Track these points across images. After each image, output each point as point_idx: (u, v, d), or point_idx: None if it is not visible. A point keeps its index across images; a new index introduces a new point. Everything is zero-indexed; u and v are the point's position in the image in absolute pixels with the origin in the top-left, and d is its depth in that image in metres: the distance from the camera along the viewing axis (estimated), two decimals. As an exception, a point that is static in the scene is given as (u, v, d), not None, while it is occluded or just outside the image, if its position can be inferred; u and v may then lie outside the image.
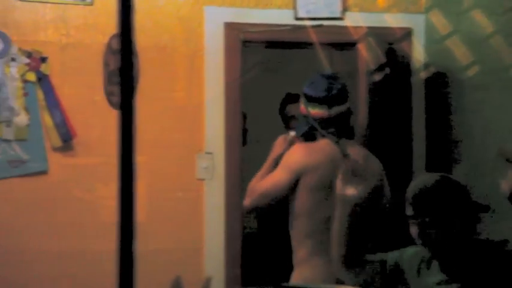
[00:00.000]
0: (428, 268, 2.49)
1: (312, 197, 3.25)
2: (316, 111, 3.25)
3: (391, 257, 2.57)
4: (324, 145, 3.28)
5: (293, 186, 3.26)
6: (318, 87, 3.26)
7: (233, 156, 3.89)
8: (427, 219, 2.35)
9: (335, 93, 3.22)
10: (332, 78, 3.29)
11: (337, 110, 3.24)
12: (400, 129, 3.93)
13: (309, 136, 3.37)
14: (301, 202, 3.28)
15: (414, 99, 3.98)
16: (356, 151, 3.09)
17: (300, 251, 3.29)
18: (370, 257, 2.57)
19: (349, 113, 3.30)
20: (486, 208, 2.90)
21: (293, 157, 3.28)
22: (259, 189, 3.32)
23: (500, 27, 3.33)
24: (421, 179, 2.48)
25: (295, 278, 3.30)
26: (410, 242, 2.48)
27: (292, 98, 4.11)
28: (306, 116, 3.32)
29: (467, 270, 2.39)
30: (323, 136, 3.27)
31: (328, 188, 3.13)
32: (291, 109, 4.12)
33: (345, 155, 2.68)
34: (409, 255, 2.54)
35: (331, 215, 3.05)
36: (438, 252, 2.40)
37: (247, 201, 3.35)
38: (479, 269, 2.38)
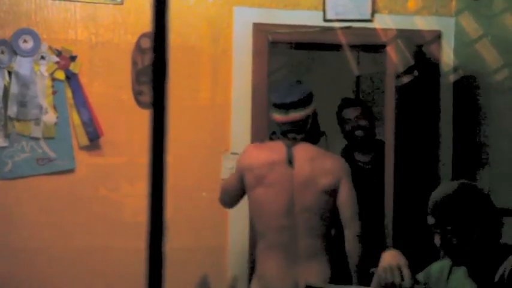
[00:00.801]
0: (449, 277, 2.48)
1: (251, 194, 3.38)
2: (276, 116, 3.40)
3: (419, 279, 2.58)
4: (273, 146, 3.41)
5: (242, 185, 3.42)
6: (278, 93, 3.40)
7: (259, 157, 3.88)
8: (448, 228, 2.35)
9: (292, 100, 3.35)
10: (293, 84, 3.39)
11: (294, 115, 3.36)
12: (427, 132, 3.90)
13: (272, 139, 3.57)
14: (249, 200, 3.43)
15: (442, 103, 3.95)
16: (303, 153, 3.32)
17: (256, 248, 3.42)
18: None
19: (309, 117, 3.42)
20: (509, 212, 2.86)
21: (240, 156, 3.47)
22: (221, 186, 3.56)
23: (531, 31, 3.30)
24: (442, 187, 2.47)
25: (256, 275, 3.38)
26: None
27: (348, 103, 4.36)
28: (272, 121, 3.52)
29: (493, 276, 2.38)
30: (278, 138, 3.44)
31: (265, 187, 3.32)
32: (346, 113, 4.31)
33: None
34: (435, 271, 2.55)
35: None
36: (461, 260, 2.39)
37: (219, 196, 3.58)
38: (504, 274, 2.36)
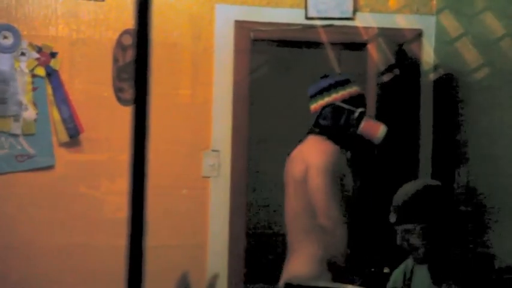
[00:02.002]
0: (411, 277, 2.51)
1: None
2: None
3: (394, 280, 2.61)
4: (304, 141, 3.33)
5: None
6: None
7: (239, 154, 3.89)
8: (409, 227, 2.37)
9: (309, 91, 3.31)
10: (323, 76, 3.34)
11: (310, 106, 3.31)
12: (407, 130, 3.92)
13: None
14: None
15: (422, 101, 3.97)
16: (301, 147, 3.24)
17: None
18: None
19: (324, 109, 3.27)
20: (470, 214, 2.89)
21: None
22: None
23: (510, 29, 3.32)
24: (406, 187, 2.50)
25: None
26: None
27: None
28: None
29: (454, 277, 2.40)
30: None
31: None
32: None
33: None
34: (398, 275, 2.58)
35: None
36: (421, 258, 2.41)
37: None
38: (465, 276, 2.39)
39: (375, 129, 3.24)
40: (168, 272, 3.21)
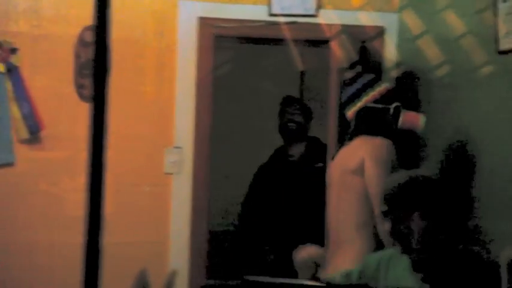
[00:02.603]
0: (395, 267, 2.52)
1: None
2: None
3: (356, 270, 2.62)
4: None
5: None
6: None
7: (202, 151, 3.88)
8: (400, 215, 2.40)
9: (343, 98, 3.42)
10: (350, 67, 3.49)
11: (348, 112, 3.39)
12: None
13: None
14: None
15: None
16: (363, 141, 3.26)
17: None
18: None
19: (357, 113, 3.35)
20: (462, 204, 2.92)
21: None
22: None
23: (472, 28, 3.35)
24: (396, 176, 2.53)
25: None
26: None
27: (289, 101, 4.56)
28: None
29: (440, 271, 2.42)
30: None
31: None
32: (285, 109, 4.52)
33: None
34: (372, 262, 2.59)
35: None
36: (409, 248, 2.43)
37: None
38: (450, 271, 2.41)
39: (415, 120, 3.33)
40: (130, 268, 3.19)
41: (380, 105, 3.27)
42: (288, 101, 4.58)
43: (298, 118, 4.47)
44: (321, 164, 4.26)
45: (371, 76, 3.36)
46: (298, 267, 3.03)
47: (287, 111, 4.50)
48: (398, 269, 2.51)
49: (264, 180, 4.58)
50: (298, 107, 4.52)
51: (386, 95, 3.32)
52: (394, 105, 3.26)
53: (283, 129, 4.52)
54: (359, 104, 3.31)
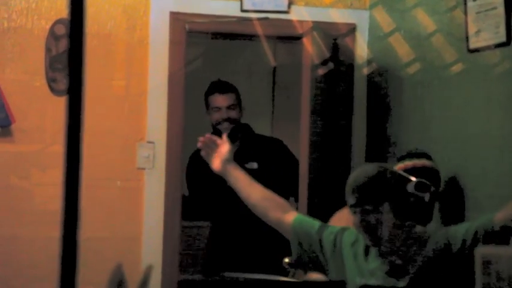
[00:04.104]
0: (366, 255, 2.55)
1: None
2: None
3: (330, 231, 2.65)
4: None
5: None
6: None
7: (175, 146, 3.88)
8: (368, 207, 2.43)
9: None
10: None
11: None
12: (341, 124, 3.97)
13: None
14: None
15: (356, 95, 4.02)
16: None
17: None
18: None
19: None
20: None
21: None
22: None
23: (442, 26, 3.39)
24: (363, 168, 2.56)
25: None
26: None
27: (217, 88, 4.10)
28: None
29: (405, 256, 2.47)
30: None
31: None
32: (214, 101, 4.08)
33: None
34: (348, 237, 2.62)
35: None
36: (378, 239, 2.46)
37: None
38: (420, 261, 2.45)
39: None
40: (102, 264, 3.19)
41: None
42: (217, 88, 4.11)
43: (234, 114, 4.04)
44: (255, 165, 4.00)
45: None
46: None
47: (218, 106, 4.04)
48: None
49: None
50: (233, 99, 4.06)
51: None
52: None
53: (215, 130, 4.02)
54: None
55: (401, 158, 3.06)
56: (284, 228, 2.72)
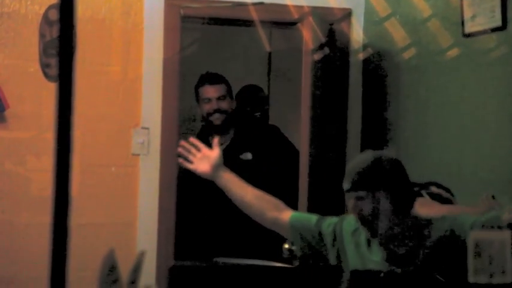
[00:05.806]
0: (369, 245, 2.55)
1: None
2: None
3: (328, 223, 2.64)
4: None
5: None
6: None
7: (169, 132, 3.87)
8: (362, 193, 2.42)
9: None
10: None
11: None
12: (336, 109, 3.96)
13: None
14: None
15: (351, 80, 4.01)
16: None
17: None
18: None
19: None
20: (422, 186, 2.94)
21: None
22: None
23: (438, 10, 3.38)
24: (362, 155, 2.57)
25: None
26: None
27: (208, 79, 4.05)
28: None
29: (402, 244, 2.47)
30: None
31: None
32: (205, 92, 4.02)
33: None
34: (347, 226, 2.61)
35: None
36: (372, 226, 2.46)
37: None
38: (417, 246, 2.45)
39: None
40: (97, 249, 3.19)
41: None
42: (207, 79, 4.04)
43: (225, 105, 3.98)
44: (249, 155, 4.00)
45: None
46: None
47: (208, 97, 3.99)
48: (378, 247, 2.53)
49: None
50: (224, 90, 4.01)
51: None
52: None
53: (207, 121, 4.00)
54: None
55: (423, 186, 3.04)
56: (281, 227, 2.73)
